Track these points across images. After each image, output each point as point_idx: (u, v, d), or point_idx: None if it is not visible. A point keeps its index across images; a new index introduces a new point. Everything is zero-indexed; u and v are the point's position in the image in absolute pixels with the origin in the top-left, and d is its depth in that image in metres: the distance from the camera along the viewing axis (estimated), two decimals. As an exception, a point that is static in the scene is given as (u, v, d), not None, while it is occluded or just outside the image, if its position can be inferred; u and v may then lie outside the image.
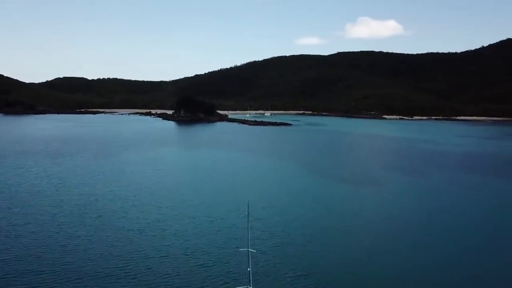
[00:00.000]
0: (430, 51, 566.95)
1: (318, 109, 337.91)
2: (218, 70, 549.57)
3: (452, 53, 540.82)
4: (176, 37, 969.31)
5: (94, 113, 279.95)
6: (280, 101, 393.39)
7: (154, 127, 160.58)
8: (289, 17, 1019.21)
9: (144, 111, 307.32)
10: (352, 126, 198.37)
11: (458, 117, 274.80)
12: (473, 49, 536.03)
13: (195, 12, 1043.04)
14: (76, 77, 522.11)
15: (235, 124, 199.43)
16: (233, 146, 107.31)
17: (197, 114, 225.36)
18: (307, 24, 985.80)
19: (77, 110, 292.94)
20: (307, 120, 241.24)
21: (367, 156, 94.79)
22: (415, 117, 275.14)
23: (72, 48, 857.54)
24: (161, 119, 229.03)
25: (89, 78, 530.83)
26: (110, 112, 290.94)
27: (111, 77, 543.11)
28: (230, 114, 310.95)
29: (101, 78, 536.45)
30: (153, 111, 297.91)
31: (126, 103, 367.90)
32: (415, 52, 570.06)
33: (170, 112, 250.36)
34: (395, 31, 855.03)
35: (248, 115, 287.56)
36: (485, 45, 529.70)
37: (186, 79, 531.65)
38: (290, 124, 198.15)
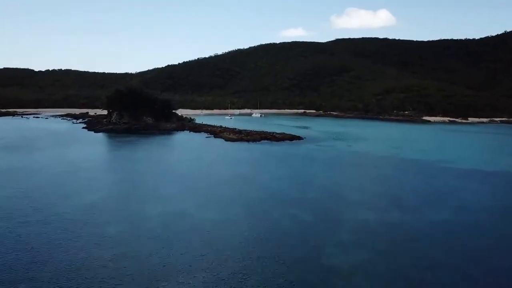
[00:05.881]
0: (441, 38, 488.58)
1: (324, 107, 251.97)
2: (195, 60, 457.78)
3: (469, 40, 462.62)
4: (146, 23, 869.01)
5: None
6: (271, 97, 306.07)
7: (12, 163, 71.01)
8: (270, 7, 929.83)
9: (79, 112, 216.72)
10: (418, 144, 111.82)
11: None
12: (494, 34, 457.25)
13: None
14: (20, 68, 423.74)
15: (201, 138, 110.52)
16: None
17: (142, 119, 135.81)
18: (290, 14, 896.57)
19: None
20: (320, 127, 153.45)
21: None
22: (470, 119, 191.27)
23: (20, 35, 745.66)
24: (83, 127, 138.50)
25: (37, 69, 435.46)
26: (24, 114, 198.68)
27: (63, 68, 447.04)
28: (204, 114, 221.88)
29: (51, 69, 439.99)
30: (91, 112, 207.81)
31: (64, 100, 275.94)
32: (425, 39, 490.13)
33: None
34: (388, 22, 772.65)
35: (228, 116, 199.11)
36: (508, 30, 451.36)
37: (155, 71, 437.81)
38: (300, 138, 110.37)
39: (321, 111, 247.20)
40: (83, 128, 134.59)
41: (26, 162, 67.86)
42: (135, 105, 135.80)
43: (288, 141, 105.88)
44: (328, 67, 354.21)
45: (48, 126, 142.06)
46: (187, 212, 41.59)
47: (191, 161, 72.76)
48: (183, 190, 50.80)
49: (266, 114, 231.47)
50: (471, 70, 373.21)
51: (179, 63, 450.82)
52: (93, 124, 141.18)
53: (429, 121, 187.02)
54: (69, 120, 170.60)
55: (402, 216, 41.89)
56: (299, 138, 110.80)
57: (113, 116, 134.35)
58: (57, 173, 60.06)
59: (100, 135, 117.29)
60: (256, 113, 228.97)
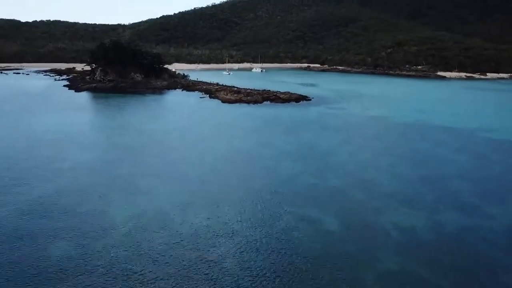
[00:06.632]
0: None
1: (330, 62, 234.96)
2: (192, 10, 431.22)
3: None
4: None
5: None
6: (273, 50, 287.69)
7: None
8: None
9: (66, 67, 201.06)
10: (445, 106, 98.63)
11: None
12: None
13: None
14: (4, 19, 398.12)
15: (195, 99, 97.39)
16: None
17: (129, 76, 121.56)
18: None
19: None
20: (328, 84, 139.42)
21: None
22: (489, 75, 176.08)
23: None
24: (64, 84, 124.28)
25: (23, 20, 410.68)
26: (5, 70, 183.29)
27: (52, 19, 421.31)
28: (200, 69, 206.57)
29: (38, 20, 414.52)
30: (79, 67, 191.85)
31: (51, 54, 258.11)
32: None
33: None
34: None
35: (226, 71, 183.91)
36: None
37: (149, 22, 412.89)
38: (307, 98, 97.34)
39: (326, 66, 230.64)
40: (64, 86, 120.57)
41: (-24, 134, 55.32)
42: (122, 60, 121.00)
43: (294, 102, 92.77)
44: (333, 18, 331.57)
45: (25, 83, 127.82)
46: (165, 213, 29.78)
47: (179, 131, 60.18)
48: (164, 177, 38.70)
49: (267, 69, 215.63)
50: (485, 22, 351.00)
51: (174, 13, 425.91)
52: (75, 82, 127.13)
53: (444, 77, 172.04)
54: (52, 76, 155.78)
55: (464, 221, 30.16)
56: (306, 98, 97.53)
57: (97, 73, 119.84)
58: (10, 148, 47.77)
59: (81, 94, 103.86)
60: (257, 68, 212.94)
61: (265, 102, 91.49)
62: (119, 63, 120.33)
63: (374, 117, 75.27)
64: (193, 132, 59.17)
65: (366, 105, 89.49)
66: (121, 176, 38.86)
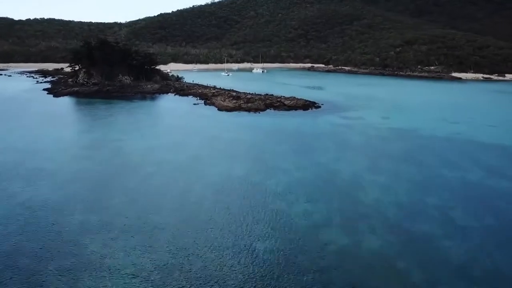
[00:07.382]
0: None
1: (335, 62, 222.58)
2: (190, 8, 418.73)
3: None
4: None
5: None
6: (274, 49, 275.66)
7: None
8: None
9: (55, 67, 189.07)
10: (477, 114, 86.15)
11: None
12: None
13: None
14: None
15: (188, 106, 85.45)
16: None
17: (117, 78, 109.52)
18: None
19: None
20: (336, 87, 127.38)
21: None
22: (508, 76, 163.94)
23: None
24: (44, 88, 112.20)
25: (16, 18, 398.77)
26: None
27: (46, 17, 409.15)
28: (197, 70, 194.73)
29: (32, 18, 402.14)
30: (69, 68, 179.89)
31: (42, 53, 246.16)
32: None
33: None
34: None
35: (225, 72, 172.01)
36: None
37: (146, 20, 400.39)
38: (316, 105, 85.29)
39: (331, 66, 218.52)
40: (44, 89, 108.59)
41: None
42: (108, 61, 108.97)
43: (302, 110, 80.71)
44: (336, 15, 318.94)
45: (1, 86, 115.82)
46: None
47: (161, 151, 48.21)
48: (128, 233, 26.76)
49: (268, 69, 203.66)
50: (494, 19, 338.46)
51: (172, 11, 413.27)
52: (57, 85, 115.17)
53: (460, 78, 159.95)
54: (35, 78, 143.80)
55: None
56: (315, 105, 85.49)
57: (80, 75, 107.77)
58: None
59: (60, 100, 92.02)
60: (258, 68, 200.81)
61: (267, 110, 79.59)
62: (105, 64, 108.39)
63: (399, 129, 63.24)
64: (178, 153, 47.20)
65: (384, 113, 77.48)
66: (67, 231, 27.02)
